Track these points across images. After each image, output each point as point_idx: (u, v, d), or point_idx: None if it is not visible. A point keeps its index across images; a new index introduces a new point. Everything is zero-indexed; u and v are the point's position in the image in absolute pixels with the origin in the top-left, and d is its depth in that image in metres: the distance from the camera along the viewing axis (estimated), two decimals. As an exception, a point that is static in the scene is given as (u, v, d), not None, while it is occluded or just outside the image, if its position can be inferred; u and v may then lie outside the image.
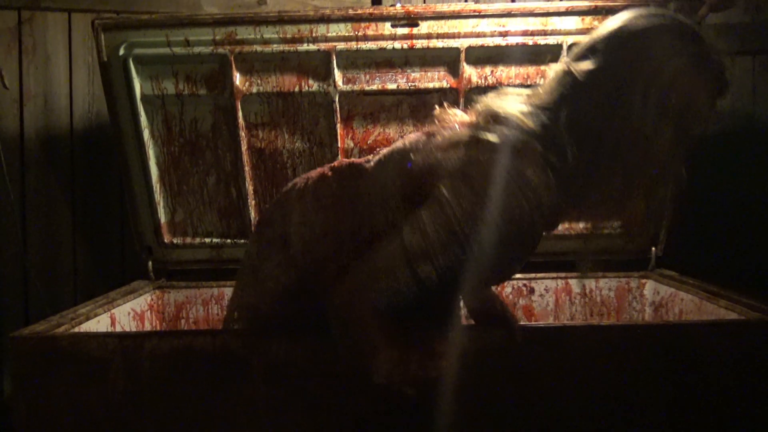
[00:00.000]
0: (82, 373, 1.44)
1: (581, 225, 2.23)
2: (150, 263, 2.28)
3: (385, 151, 1.37)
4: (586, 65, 1.16)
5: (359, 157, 2.10)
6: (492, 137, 1.17)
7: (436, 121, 1.35)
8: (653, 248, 2.25)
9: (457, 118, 1.32)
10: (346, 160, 1.46)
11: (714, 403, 1.41)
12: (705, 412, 1.41)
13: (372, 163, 1.36)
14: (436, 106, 1.41)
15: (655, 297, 2.22)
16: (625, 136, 1.14)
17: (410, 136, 1.36)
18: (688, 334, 1.45)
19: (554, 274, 2.32)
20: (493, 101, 1.27)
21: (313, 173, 1.43)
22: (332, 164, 1.43)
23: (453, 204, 1.13)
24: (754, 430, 1.41)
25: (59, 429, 1.44)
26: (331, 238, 1.33)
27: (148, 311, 2.17)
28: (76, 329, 1.66)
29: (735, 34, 2.48)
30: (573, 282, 2.32)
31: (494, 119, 1.22)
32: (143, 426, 1.44)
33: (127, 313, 2.01)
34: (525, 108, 1.22)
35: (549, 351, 1.42)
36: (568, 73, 1.19)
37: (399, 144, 1.35)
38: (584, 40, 1.23)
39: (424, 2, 2.53)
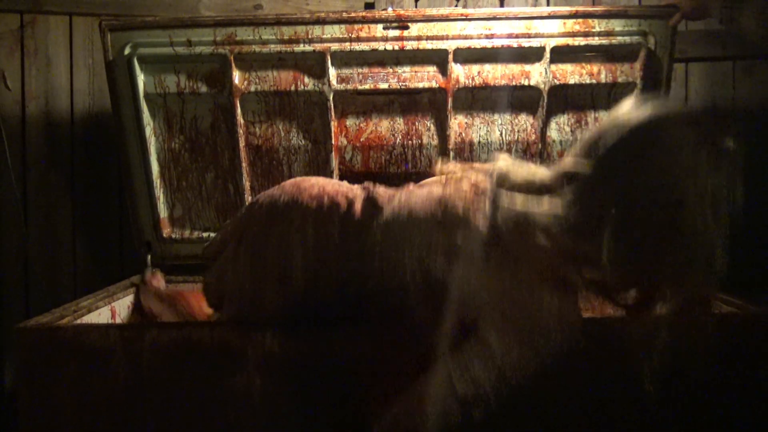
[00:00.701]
0: (85, 363, 1.47)
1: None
2: (149, 258, 2.28)
3: (398, 208, 1.34)
4: (592, 165, 1.18)
5: (352, 155, 2.19)
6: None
7: (445, 182, 1.32)
8: None
9: (469, 195, 1.28)
10: (343, 196, 1.41)
11: (687, 392, 1.44)
12: (678, 401, 1.44)
13: (387, 217, 1.34)
14: (438, 162, 1.42)
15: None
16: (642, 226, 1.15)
17: (420, 200, 1.33)
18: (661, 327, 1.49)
19: None
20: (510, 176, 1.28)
21: (311, 200, 1.39)
22: (335, 198, 1.40)
23: (501, 352, 1.16)
24: (725, 419, 1.48)
25: (63, 416, 1.48)
26: (334, 286, 1.37)
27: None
28: (79, 321, 1.68)
29: (716, 40, 2.56)
30: None
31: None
32: (144, 414, 1.48)
33: (126, 307, 2.04)
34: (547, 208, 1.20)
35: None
36: (575, 173, 1.21)
37: (418, 207, 1.31)
38: (591, 135, 1.23)
39: (416, 5, 2.60)
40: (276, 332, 1.46)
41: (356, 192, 1.44)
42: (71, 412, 1.48)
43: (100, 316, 1.85)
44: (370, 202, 1.40)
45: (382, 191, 1.44)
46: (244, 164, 2.20)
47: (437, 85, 2.12)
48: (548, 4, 2.60)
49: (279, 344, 1.46)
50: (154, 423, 1.47)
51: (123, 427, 1.47)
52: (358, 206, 1.39)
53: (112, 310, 1.92)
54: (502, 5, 2.60)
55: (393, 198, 1.40)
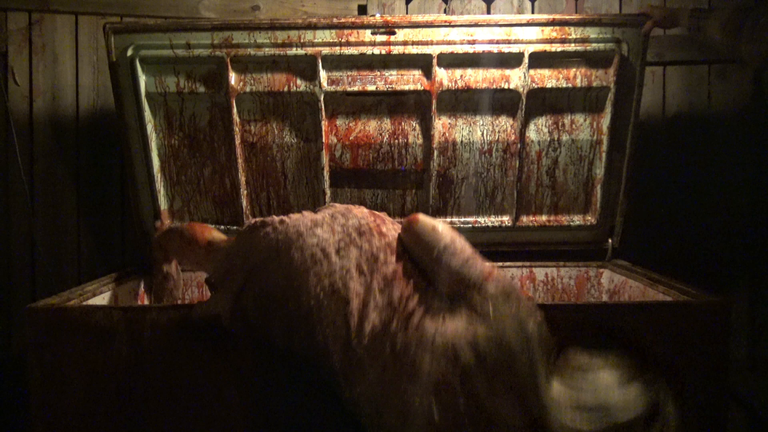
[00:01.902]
0: (91, 341, 1.57)
1: (544, 217, 2.42)
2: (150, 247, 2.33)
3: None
4: None
5: (341, 152, 2.28)
6: None
7: None
8: (610, 240, 2.40)
9: None
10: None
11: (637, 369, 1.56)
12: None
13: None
14: None
15: (611, 285, 2.36)
16: None
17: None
18: (618, 314, 1.63)
19: (519, 263, 2.45)
20: None
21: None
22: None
23: None
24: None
25: (70, 391, 1.57)
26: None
27: (148, 291, 2.25)
28: (84, 303, 1.77)
29: (692, 45, 2.63)
30: (536, 270, 2.46)
31: None
32: (144, 388, 1.57)
33: (128, 292, 2.12)
34: None
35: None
36: None
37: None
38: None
39: (407, 9, 2.67)
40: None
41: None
42: (78, 385, 1.57)
43: (104, 300, 1.93)
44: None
45: None
46: (239, 160, 2.26)
47: (422, 88, 2.20)
48: (533, 10, 2.66)
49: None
50: (154, 396, 1.57)
51: (125, 400, 1.56)
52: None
53: (115, 295, 2.00)
54: (488, 11, 2.66)
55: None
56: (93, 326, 1.57)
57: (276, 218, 1.56)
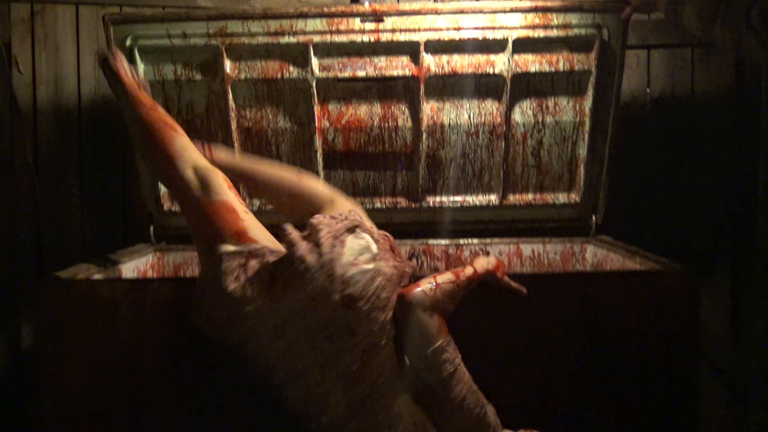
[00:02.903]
0: (97, 313, 1.65)
1: (530, 196, 2.51)
2: (151, 228, 2.43)
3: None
4: None
5: (334, 136, 2.35)
6: None
7: None
8: (593, 217, 2.48)
9: None
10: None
11: (615, 338, 1.67)
12: (606, 346, 1.67)
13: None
14: None
15: (594, 259, 2.44)
16: None
17: None
18: (594, 282, 1.73)
19: (507, 239, 2.53)
20: None
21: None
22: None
23: None
24: (644, 362, 1.69)
25: (78, 360, 1.65)
26: None
27: (150, 270, 2.35)
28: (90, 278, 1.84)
29: (675, 28, 2.63)
30: (523, 246, 2.54)
31: None
32: (147, 355, 1.65)
33: (131, 271, 2.19)
34: None
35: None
36: None
37: None
38: None
39: (396, 0, 2.73)
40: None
41: None
42: (85, 354, 1.65)
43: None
44: None
45: None
46: (236, 144, 2.34)
47: (410, 73, 2.27)
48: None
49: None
50: (158, 363, 1.66)
51: (130, 365, 1.65)
52: None
53: (119, 273, 2.08)
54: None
55: None
56: (99, 299, 1.65)
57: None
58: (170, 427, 1.66)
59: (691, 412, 1.71)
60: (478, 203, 2.47)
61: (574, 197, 2.47)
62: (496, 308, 1.64)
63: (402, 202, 2.46)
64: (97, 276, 1.91)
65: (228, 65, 2.26)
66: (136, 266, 2.25)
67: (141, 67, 2.25)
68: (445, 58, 2.28)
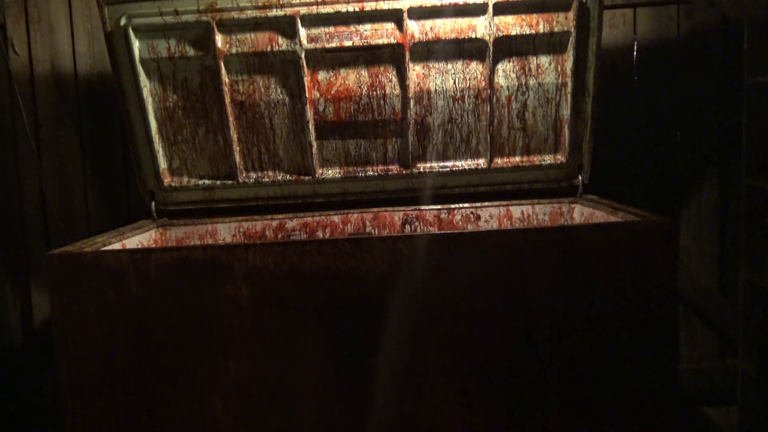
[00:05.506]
0: (103, 282, 1.75)
1: (517, 158, 2.58)
2: (153, 204, 2.52)
3: None
4: None
5: (324, 106, 2.40)
6: None
7: None
8: (579, 177, 2.55)
9: None
10: None
11: (597, 287, 1.77)
12: (589, 296, 1.77)
13: None
14: None
15: (581, 218, 2.51)
16: None
17: None
18: (575, 234, 1.81)
19: (497, 203, 2.60)
20: None
21: None
22: None
23: None
24: (625, 310, 1.79)
25: (87, 326, 1.75)
26: None
27: (153, 245, 2.41)
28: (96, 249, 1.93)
29: None
30: (513, 209, 2.61)
31: None
32: (151, 321, 1.76)
33: (135, 245, 2.28)
34: None
35: (467, 253, 1.76)
36: None
37: None
38: None
39: None
40: (256, 248, 1.73)
41: None
42: (93, 321, 1.76)
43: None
44: None
45: None
46: (230, 118, 2.41)
47: (395, 41, 2.32)
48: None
49: (259, 257, 1.73)
50: (160, 327, 1.76)
51: (135, 331, 1.76)
52: None
53: (123, 246, 2.17)
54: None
55: None
56: (105, 268, 1.75)
57: None
58: (177, 382, 1.77)
59: (672, 355, 1.81)
60: (467, 167, 2.54)
61: (560, 158, 2.53)
62: (487, 260, 1.72)
63: (393, 169, 2.53)
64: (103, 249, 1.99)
65: (219, 40, 2.32)
66: (140, 241, 2.34)
67: (136, 45, 2.31)
68: (428, 24, 2.33)
